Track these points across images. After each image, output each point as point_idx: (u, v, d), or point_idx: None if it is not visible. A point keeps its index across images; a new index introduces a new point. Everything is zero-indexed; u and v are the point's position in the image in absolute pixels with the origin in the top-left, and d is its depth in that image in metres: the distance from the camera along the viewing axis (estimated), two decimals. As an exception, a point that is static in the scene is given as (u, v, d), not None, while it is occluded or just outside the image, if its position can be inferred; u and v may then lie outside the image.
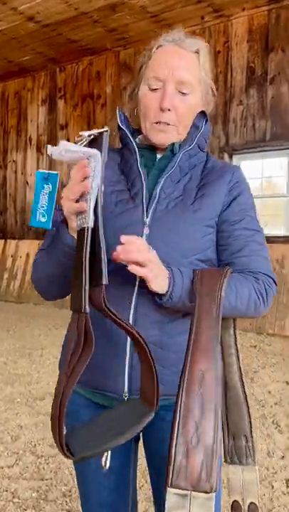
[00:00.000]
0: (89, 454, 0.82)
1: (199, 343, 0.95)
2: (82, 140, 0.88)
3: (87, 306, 0.82)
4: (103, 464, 0.94)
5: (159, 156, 1.20)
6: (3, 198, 9.28)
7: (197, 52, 1.17)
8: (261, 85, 6.19)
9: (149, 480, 1.32)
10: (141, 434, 1.24)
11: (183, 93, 1.14)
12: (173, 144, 1.17)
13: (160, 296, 1.04)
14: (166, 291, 1.03)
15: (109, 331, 1.11)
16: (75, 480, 2.39)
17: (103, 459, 1.01)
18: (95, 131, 0.88)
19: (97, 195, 0.87)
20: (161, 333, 1.11)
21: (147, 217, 1.12)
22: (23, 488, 2.34)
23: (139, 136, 1.24)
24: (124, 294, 1.10)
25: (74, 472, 2.47)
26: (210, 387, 0.90)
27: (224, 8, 6.26)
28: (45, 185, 0.95)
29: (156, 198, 1.13)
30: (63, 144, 0.85)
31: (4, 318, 6.60)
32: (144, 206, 1.13)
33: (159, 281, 1.01)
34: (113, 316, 0.88)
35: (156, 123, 1.15)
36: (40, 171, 0.95)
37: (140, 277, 1.02)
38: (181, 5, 6.12)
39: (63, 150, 0.85)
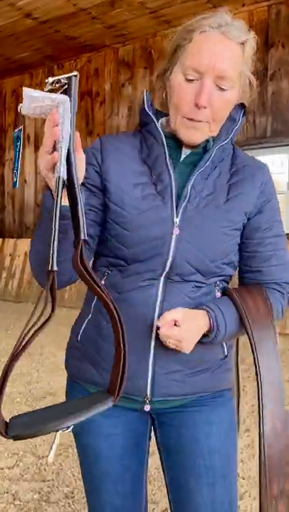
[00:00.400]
0: (23, 433, 0.73)
1: (265, 383, 1.00)
2: (48, 87, 0.81)
3: (54, 264, 0.76)
4: (50, 457, 0.86)
5: (184, 148, 1.10)
6: (0, 197, 9.21)
7: (243, 43, 1.03)
8: (261, 81, 6.14)
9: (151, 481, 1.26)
10: (157, 431, 1.19)
11: (221, 88, 1.02)
12: (207, 141, 1.07)
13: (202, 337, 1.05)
14: (210, 335, 1.04)
15: (131, 326, 1.05)
16: (78, 481, 2.34)
17: (51, 454, 0.91)
18: (61, 77, 0.81)
19: (69, 144, 0.81)
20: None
21: (177, 216, 1.04)
22: (24, 490, 2.28)
23: (162, 120, 1.13)
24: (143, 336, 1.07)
25: (76, 473, 2.42)
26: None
27: (224, 4, 6.20)
28: (18, 144, 0.89)
29: (187, 196, 1.05)
30: (27, 91, 0.80)
31: (3, 318, 6.54)
32: (174, 204, 1.05)
33: (194, 339, 1.03)
34: (88, 278, 0.79)
35: (189, 119, 1.04)
36: (14, 131, 0.89)
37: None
38: (180, 1, 6.06)
39: (32, 102, 0.80)
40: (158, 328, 1.01)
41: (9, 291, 8.12)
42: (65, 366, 1.20)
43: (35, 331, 0.75)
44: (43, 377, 3.96)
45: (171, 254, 1.04)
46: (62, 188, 0.81)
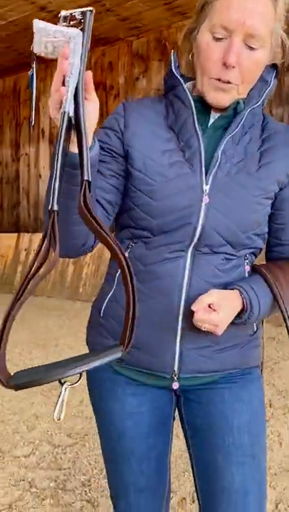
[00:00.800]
0: (24, 381, 0.69)
1: None
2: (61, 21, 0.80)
3: (55, 204, 0.74)
4: (55, 415, 0.81)
5: (213, 112, 1.04)
6: (16, 192, 9.24)
7: None
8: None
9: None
10: (182, 409, 1.15)
11: (251, 47, 0.96)
12: (238, 103, 1.01)
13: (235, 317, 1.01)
14: (243, 316, 1.01)
15: (157, 300, 1.02)
16: (94, 470, 2.33)
17: (56, 410, 0.82)
18: (76, 11, 0.79)
19: (78, 81, 0.78)
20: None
21: (207, 184, 1.00)
22: (41, 478, 2.27)
23: (188, 85, 1.08)
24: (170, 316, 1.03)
25: (92, 462, 2.40)
26: None
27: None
28: (33, 84, 0.88)
29: (218, 162, 1.00)
30: (37, 22, 0.78)
31: (18, 311, 6.55)
32: (203, 171, 1.00)
33: (228, 320, 0.99)
34: (94, 224, 0.75)
35: (217, 79, 0.98)
36: (29, 71, 0.88)
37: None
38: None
39: (42, 36, 0.78)
40: (192, 312, 0.97)
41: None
42: (87, 343, 1.17)
43: (39, 276, 0.73)
44: (58, 369, 3.95)
45: (200, 223, 1.00)
46: (70, 128, 0.78)
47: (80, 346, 1.16)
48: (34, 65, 0.85)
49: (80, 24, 0.79)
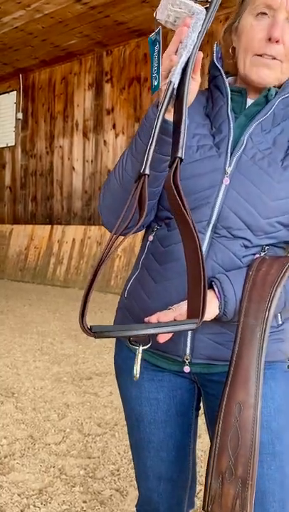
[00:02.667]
0: (103, 330, 0.76)
1: (239, 370, 0.91)
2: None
3: (147, 167, 0.77)
4: (135, 371, 0.85)
5: (250, 101, 1.06)
6: (49, 184, 9.35)
7: None
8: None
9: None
10: (201, 403, 1.15)
11: None
12: (269, 90, 1.03)
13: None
14: (220, 306, 0.96)
15: (173, 280, 1.02)
16: (124, 459, 2.34)
17: (135, 367, 0.87)
18: None
19: (191, 55, 0.81)
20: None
21: (230, 165, 1.00)
22: (71, 466, 2.30)
23: (229, 78, 1.11)
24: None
25: (122, 452, 2.42)
26: (247, 419, 0.89)
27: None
28: (155, 48, 0.88)
29: (243, 145, 1.01)
30: None
31: (51, 302, 6.66)
32: (228, 154, 1.01)
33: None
34: (179, 201, 0.78)
35: (260, 56, 1.01)
36: (150, 36, 0.89)
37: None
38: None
39: (168, 4, 0.82)
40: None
41: (57, 277, 8.25)
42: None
43: (123, 236, 0.77)
44: (89, 359, 3.99)
45: (218, 203, 1.00)
46: (170, 98, 0.80)
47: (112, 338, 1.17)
48: (158, 29, 0.87)
49: (206, 3, 0.82)
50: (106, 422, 2.79)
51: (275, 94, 1.03)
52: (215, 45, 1.09)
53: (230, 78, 1.12)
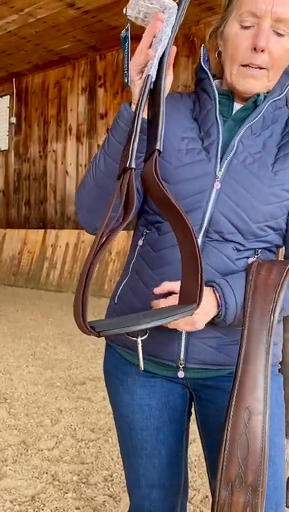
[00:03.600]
0: (105, 328, 0.73)
1: (246, 380, 0.90)
2: None
3: (133, 162, 0.76)
4: (140, 363, 0.84)
5: (237, 105, 1.06)
6: (43, 188, 9.33)
7: None
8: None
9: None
10: (193, 409, 1.14)
11: (279, 34, 0.98)
12: (258, 95, 1.02)
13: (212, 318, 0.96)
14: (219, 316, 0.96)
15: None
16: (117, 465, 2.33)
17: (140, 361, 0.86)
18: None
19: (166, 48, 0.81)
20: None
21: (220, 169, 1.00)
22: (63, 471, 2.28)
23: (216, 81, 1.11)
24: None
25: (115, 457, 2.40)
26: (256, 425, 0.87)
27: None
28: (126, 45, 0.89)
29: (234, 149, 1.01)
30: None
31: (44, 306, 6.63)
32: (218, 158, 1.01)
33: (204, 317, 0.94)
34: (163, 190, 0.78)
35: (246, 66, 0.99)
36: (121, 33, 0.90)
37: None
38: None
39: (140, 1, 0.81)
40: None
41: (51, 281, 8.23)
42: None
43: (113, 231, 0.75)
44: (82, 364, 3.97)
45: (209, 208, 1.00)
46: (150, 91, 0.80)
47: (104, 342, 1.17)
48: (127, 26, 0.88)
49: None
50: (99, 428, 2.77)
51: (264, 98, 1.03)
52: (202, 48, 1.08)
53: (216, 81, 1.11)
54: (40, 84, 9.35)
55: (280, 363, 1.15)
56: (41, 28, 7.47)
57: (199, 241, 1.00)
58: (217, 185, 1.00)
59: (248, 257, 1.03)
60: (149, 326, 0.74)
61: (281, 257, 1.10)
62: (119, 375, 1.12)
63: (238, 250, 1.02)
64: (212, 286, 0.96)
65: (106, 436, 2.65)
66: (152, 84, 0.81)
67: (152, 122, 0.80)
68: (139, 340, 0.81)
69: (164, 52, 0.81)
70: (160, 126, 0.79)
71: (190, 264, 0.79)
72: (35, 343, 4.66)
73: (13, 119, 9.69)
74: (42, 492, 2.11)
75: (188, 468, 2.22)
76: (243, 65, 1.00)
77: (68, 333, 4.94)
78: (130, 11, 0.83)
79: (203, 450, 1.14)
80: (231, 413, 0.88)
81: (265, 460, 0.86)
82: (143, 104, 0.79)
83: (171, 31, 0.81)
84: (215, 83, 1.09)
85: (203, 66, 1.06)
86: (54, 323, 5.51)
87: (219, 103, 1.05)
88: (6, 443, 2.56)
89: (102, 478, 2.23)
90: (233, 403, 0.89)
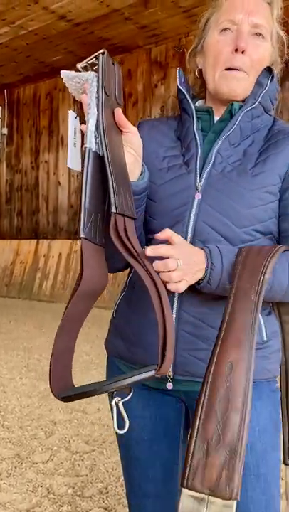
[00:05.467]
0: (70, 394, 0.83)
1: (231, 331, 0.85)
2: (80, 70, 0.89)
3: (81, 231, 0.82)
4: (115, 427, 0.84)
5: (217, 119, 1.10)
6: (35, 199, 9.33)
7: (270, 3, 1.07)
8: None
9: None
10: (191, 419, 1.15)
11: (258, 34, 1.05)
12: (232, 105, 1.06)
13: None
14: (204, 277, 0.93)
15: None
16: (112, 477, 2.32)
17: (114, 424, 0.86)
18: (89, 58, 0.88)
19: (98, 117, 0.86)
20: (209, 311, 1.01)
21: (200, 181, 1.03)
22: (58, 484, 2.27)
23: (199, 101, 1.16)
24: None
25: (110, 469, 2.40)
26: (239, 380, 0.81)
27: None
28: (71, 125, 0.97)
29: (212, 160, 1.04)
30: (62, 73, 0.88)
31: (37, 317, 6.61)
32: (198, 170, 1.04)
33: (192, 276, 0.91)
34: (123, 248, 0.83)
35: (228, 69, 1.05)
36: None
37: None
38: (213, -2, 6.02)
39: (68, 81, 0.89)
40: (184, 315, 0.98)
41: (43, 292, 8.21)
42: (104, 344, 1.20)
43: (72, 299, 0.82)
44: (75, 376, 3.93)
45: (192, 218, 1.02)
46: (93, 162, 0.84)
47: (97, 353, 1.17)
48: (73, 111, 0.96)
49: (95, 66, 0.88)
50: (94, 440, 2.77)
51: (239, 108, 1.06)
52: (177, 71, 1.12)
53: (200, 101, 1.15)
54: (32, 95, 9.39)
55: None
56: (32, 40, 7.51)
57: None
58: (198, 196, 1.02)
59: None
60: (104, 389, 0.79)
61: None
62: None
63: None
64: (203, 249, 0.95)
65: (100, 448, 2.65)
66: (92, 153, 0.84)
67: (108, 187, 0.84)
68: (113, 402, 0.84)
69: (96, 121, 0.85)
70: (111, 191, 0.82)
71: (159, 324, 0.81)
72: (28, 354, 4.64)
73: (5, 130, 9.70)
74: (37, 506, 2.10)
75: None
76: (225, 69, 1.05)
77: (62, 344, 4.93)
78: (74, 93, 0.91)
79: None
80: (212, 366, 0.82)
81: (246, 418, 0.79)
82: (85, 175, 0.83)
83: (96, 98, 0.86)
84: (199, 103, 1.14)
85: (180, 87, 1.10)
86: (47, 334, 5.49)
87: (200, 119, 1.09)
88: (0, 456, 2.55)
89: (97, 491, 2.22)
90: (215, 356, 0.83)
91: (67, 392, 0.82)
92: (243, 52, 1.03)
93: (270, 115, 1.11)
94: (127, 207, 0.86)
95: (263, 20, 1.05)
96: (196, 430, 0.79)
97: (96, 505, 2.11)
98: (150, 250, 0.86)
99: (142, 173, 0.99)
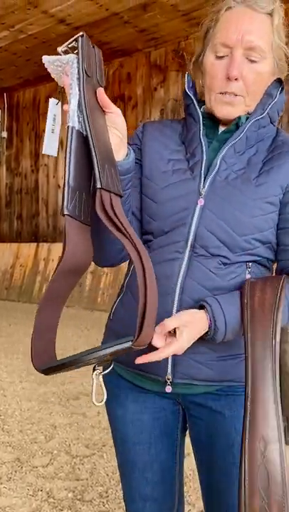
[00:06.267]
0: (49, 365, 0.84)
1: (257, 409, 0.87)
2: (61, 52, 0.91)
3: (65, 208, 0.83)
4: (93, 400, 0.87)
5: (221, 128, 1.10)
6: (35, 202, 9.34)
7: (270, 13, 1.04)
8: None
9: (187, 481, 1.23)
10: (188, 425, 1.15)
11: (252, 61, 1.02)
12: (239, 118, 1.06)
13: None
14: (208, 334, 0.96)
15: None
16: (112, 481, 2.31)
17: (93, 396, 0.89)
18: (69, 41, 0.89)
19: (80, 96, 0.87)
20: None
21: (204, 187, 1.04)
22: (58, 488, 2.27)
23: (204, 106, 1.15)
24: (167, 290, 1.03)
25: (110, 473, 2.39)
26: (273, 453, 0.85)
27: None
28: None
29: (217, 167, 1.05)
30: (44, 58, 0.90)
31: (37, 320, 6.59)
32: (202, 176, 1.05)
33: (189, 341, 0.95)
34: (110, 223, 0.84)
35: (222, 93, 1.04)
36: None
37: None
38: (212, 2, 6.03)
39: (49, 66, 0.91)
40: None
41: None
42: None
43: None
44: (76, 378, 3.96)
45: (194, 223, 1.03)
46: (76, 140, 0.85)
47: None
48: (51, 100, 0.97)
49: (75, 49, 0.89)
50: (94, 443, 2.76)
51: (246, 119, 1.06)
52: (186, 75, 1.12)
53: (204, 106, 1.14)
54: (32, 99, 9.40)
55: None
56: (32, 44, 7.53)
57: (186, 256, 1.03)
58: (201, 202, 1.03)
59: (234, 272, 1.04)
60: (74, 364, 0.81)
61: (275, 271, 1.12)
62: (112, 389, 1.13)
63: (225, 264, 1.04)
64: (203, 307, 0.97)
65: (101, 452, 2.64)
66: (75, 132, 0.86)
67: (92, 164, 0.85)
68: (93, 374, 0.87)
69: (79, 101, 0.87)
70: (95, 167, 0.84)
71: (140, 296, 0.82)
72: (28, 358, 4.63)
73: (5, 134, 9.71)
74: (37, 510, 2.10)
75: (184, 483, 2.22)
76: (220, 93, 1.04)
77: (61, 348, 4.89)
78: (52, 75, 0.92)
79: (196, 465, 1.15)
80: (246, 445, 0.86)
81: (287, 488, 0.84)
82: (69, 153, 0.84)
83: (78, 79, 0.87)
84: (204, 108, 1.13)
85: (188, 92, 1.11)
86: (47, 337, 5.48)
87: (205, 125, 1.09)
88: (0, 460, 2.54)
89: (98, 495, 2.22)
90: (247, 434, 0.86)
91: (47, 365, 0.84)
92: (236, 79, 1.02)
93: (274, 125, 1.11)
94: (112, 183, 0.86)
95: (259, 39, 1.02)
96: (243, 509, 0.84)
97: (96, 509, 2.11)
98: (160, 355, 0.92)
99: (127, 155, 0.98)
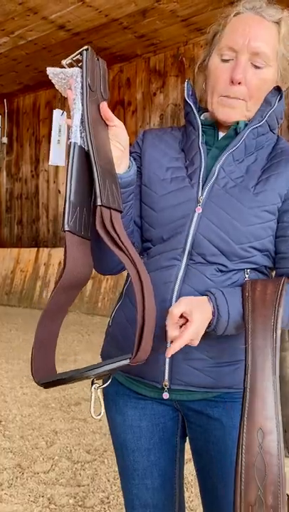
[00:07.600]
0: (48, 380, 0.86)
1: (255, 399, 0.87)
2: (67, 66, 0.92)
3: (65, 224, 0.83)
4: (92, 413, 0.88)
5: (221, 135, 1.10)
6: (35, 207, 9.35)
7: (278, 22, 1.05)
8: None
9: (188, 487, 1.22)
10: (187, 431, 1.15)
11: (256, 66, 1.04)
12: (237, 123, 1.07)
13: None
14: (210, 325, 0.96)
15: None
16: (113, 487, 2.31)
17: (91, 410, 0.90)
18: (74, 54, 0.90)
19: (83, 112, 0.87)
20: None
21: (202, 195, 1.04)
22: (60, 494, 2.26)
23: (205, 114, 1.16)
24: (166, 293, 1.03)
25: (111, 479, 2.39)
26: (271, 444, 0.85)
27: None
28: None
29: (215, 175, 1.05)
30: (48, 70, 0.91)
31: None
32: (200, 184, 1.05)
33: (202, 328, 0.95)
34: (109, 240, 0.85)
35: (225, 96, 1.05)
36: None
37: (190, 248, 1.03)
38: (211, 8, 6.05)
39: (54, 78, 0.91)
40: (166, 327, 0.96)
41: (44, 300, 8.20)
42: (100, 353, 1.20)
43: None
44: (77, 384, 3.95)
45: (191, 231, 1.03)
46: (78, 155, 0.86)
47: (98, 361, 1.18)
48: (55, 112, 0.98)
49: (79, 62, 0.90)
50: (95, 449, 2.75)
51: (245, 126, 1.07)
52: (186, 83, 1.13)
53: (206, 113, 1.15)
54: (32, 104, 9.43)
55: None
56: (32, 50, 7.55)
57: (183, 263, 1.04)
58: (199, 210, 1.03)
59: (231, 279, 1.04)
60: (72, 380, 0.82)
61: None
62: (111, 396, 1.14)
63: (221, 271, 1.04)
64: (208, 296, 0.97)
65: (102, 458, 2.64)
66: (77, 147, 0.86)
67: (93, 181, 0.86)
68: (92, 388, 0.88)
69: (81, 116, 0.87)
70: (96, 184, 0.84)
71: (138, 313, 0.83)
72: (29, 363, 4.62)
73: (5, 139, 9.74)
74: (38, 516, 2.09)
75: (185, 488, 2.21)
76: (222, 96, 1.05)
77: (62, 353, 4.91)
78: (61, 91, 0.93)
79: (196, 471, 1.15)
80: (244, 435, 0.86)
81: (283, 479, 0.84)
82: (70, 169, 0.85)
83: (81, 93, 0.88)
84: (205, 115, 1.14)
85: (188, 100, 1.11)
86: (48, 342, 5.47)
87: (205, 133, 1.10)
88: (2, 466, 2.54)
89: (99, 501, 2.21)
90: (245, 424, 0.86)
91: (47, 379, 0.85)
92: (239, 83, 1.03)
93: (274, 133, 1.11)
94: (113, 200, 0.87)
95: (264, 46, 1.03)
96: (238, 499, 0.84)
97: (98, 515, 2.10)
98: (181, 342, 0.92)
99: (129, 167, 1.00)
